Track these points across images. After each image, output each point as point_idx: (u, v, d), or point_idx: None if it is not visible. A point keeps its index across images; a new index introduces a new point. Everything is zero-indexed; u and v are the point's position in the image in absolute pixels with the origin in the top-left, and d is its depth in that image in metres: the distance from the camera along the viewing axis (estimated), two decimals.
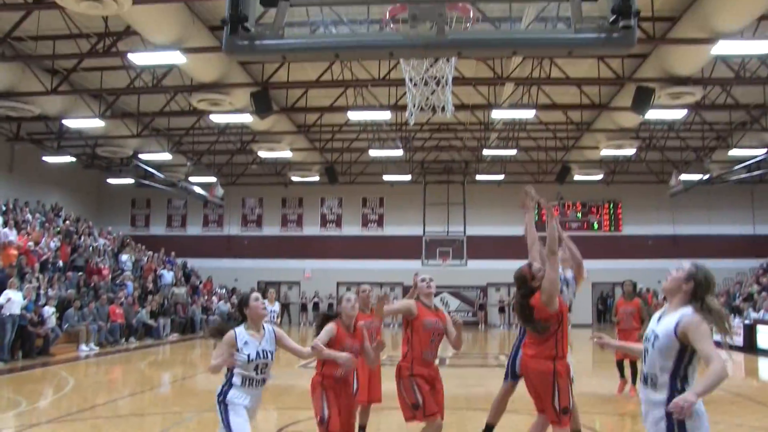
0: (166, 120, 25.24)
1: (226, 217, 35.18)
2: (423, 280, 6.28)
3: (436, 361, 6.19)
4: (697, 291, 3.94)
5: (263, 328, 5.16)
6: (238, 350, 4.99)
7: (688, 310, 3.88)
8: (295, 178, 31.95)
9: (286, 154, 26.88)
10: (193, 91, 19.72)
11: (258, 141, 26.06)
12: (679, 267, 4.04)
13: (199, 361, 18.45)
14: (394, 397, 6.11)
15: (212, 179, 31.06)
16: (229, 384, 5.04)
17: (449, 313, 6.27)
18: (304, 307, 33.48)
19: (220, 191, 31.28)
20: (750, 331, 21.18)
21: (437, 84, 8.16)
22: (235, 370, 5.02)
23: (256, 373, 5.04)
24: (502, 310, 33.02)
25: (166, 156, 26.94)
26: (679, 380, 3.90)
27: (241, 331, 5.06)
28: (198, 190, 30.87)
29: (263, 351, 5.05)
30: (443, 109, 8.57)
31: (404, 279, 31.87)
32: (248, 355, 4.99)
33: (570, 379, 5.83)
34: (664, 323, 3.95)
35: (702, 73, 18.36)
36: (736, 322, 22.30)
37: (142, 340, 22.02)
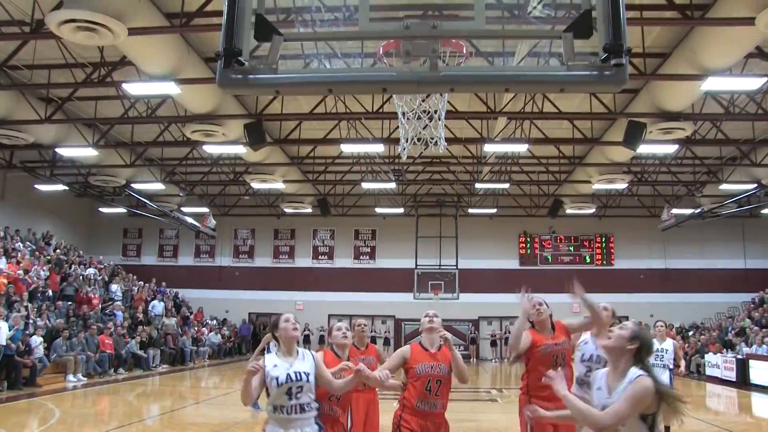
0: (159, 150, 25.25)
1: (218, 247, 35.09)
2: (426, 315, 5.82)
3: (439, 409, 5.51)
4: (641, 352, 3.83)
5: (296, 351, 4.83)
6: (266, 375, 4.64)
7: (638, 373, 3.72)
8: (287, 210, 31.88)
9: (279, 185, 26.85)
10: (186, 121, 19.76)
11: (251, 172, 26.02)
12: (622, 327, 3.92)
13: (188, 393, 18.27)
14: None
15: (205, 210, 31.03)
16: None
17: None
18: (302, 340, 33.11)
19: (212, 222, 31.21)
20: (742, 366, 21.18)
21: (430, 119, 8.21)
22: (268, 400, 4.68)
23: (289, 398, 4.61)
24: (494, 344, 32.82)
25: (158, 186, 26.90)
26: None
27: (271, 355, 4.77)
28: (190, 220, 30.86)
29: (296, 373, 4.66)
30: (436, 143, 8.60)
31: (396, 312, 32.00)
32: (276, 378, 4.63)
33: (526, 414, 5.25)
34: (619, 392, 3.75)
35: (692, 109, 18.52)
36: (729, 357, 22.32)
37: (131, 371, 21.77)
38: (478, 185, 27.77)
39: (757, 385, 19.95)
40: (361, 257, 34.72)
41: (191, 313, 30.97)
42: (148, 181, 26.49)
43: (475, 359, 32.20)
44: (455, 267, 31.75)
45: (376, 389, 5.85)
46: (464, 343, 32.88)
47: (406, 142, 8.64)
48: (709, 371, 23.17)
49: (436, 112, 8.30)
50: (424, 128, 8.27)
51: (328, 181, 29.04)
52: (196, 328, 29.11)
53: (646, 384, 3.68)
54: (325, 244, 34.92)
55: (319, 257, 34.92)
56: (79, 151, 22.06)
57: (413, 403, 5.44)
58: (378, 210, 32.05)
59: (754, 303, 28.44)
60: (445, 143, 9.26)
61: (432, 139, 8.64)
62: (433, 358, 5.52)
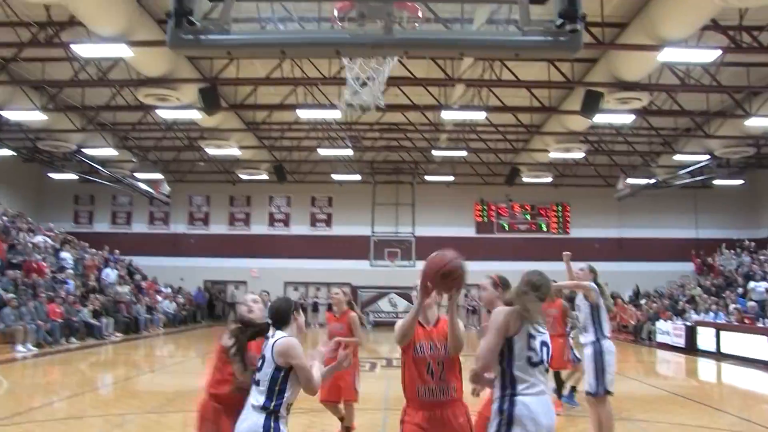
0: (111, 114, 24.64)
1: (173, 214, 34.67)
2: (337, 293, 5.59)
3: (450, 394, 4.38)
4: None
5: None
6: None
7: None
8: (243, 176, 31.64)
9: (235, 151, 26.57)
10: (139, 85, 19.31)
11: (206, 138, 25.68)
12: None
13: (143, 362, 18.13)
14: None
15: (159, 176, 30.53)
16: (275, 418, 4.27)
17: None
18: None
19: (166, 188, 30.83)
20: (691, 333, 21.73)
21: (372, 81, 8.16)
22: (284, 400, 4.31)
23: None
24: (473, 311, 32.65)
25: (111, 151, 26.35)
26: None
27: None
28: (144, 186, 30.38)
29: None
30: (375, 105, 8.57)
31: (352, 279, 31.91)
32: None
33: None
34: None
35: (649, 79, 18.73)
36: (678, 324, 22.89)
37: (83, 341, 21.39)
38: (435, 152, 27.82)
39: (704, 351, 20.51)
40: (318, 224, 34.67)
41: (145, 280, 30.63)
42: (100, 147, 25.89)
43: None
44: (412, 234, 31.89)
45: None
46: None
47: (349, 97, 8.57)
48: (659, 338, 23.72)
49: (382, 72, 8.22)
50: (364, 85, 8.20)
51: (284, 147, 28.90)
52: (150, 296, 28.81)
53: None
54: (281, 211, 34.78)
55: (275, 224, 34.76)
56: (27, 115, 21.42)
57: (415, 393, 4.40)
58: (334, 177, 32.05)
59: (701, 269, 29.06)
60: (382, 99, 9.17)
61: (371, 100, 8.56)
62: (428, 334, 4.51)
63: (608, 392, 7.38)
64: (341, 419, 7.99)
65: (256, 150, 28.16)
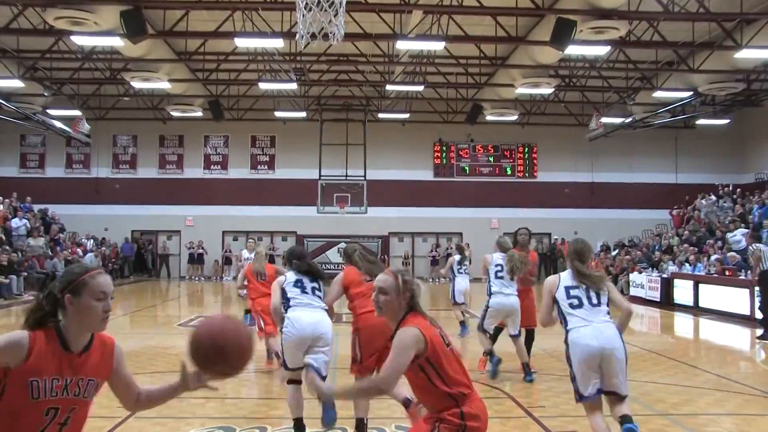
0: (14, 39, 23.58)
1: (94, 157, 33.78)
2: None
3: None
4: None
5: None
6: None
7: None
8: (174, 113, 31.08)
9: (164, 84, 26.07)
10: (47, 5, 18.38)
11: (131, 69, 25.01)
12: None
13: None
14: None
15: (76, 113, 29.82)
16: None
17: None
18: (192, 258, 32.85)
19: (85, 127, 29.99)
20: (667, 285, 21.95)
21: (330, 5, 7.75)
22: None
23: None
24: (435, 262, 32.92)
25: (16, 83, 25.52)
26: None
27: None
28: (59, 124, 29.62)
29: None
30: (335, 36, 8.19)
31: (298, 227, 32.12)
32: None
33: None
34: None
35: (628, 6, 18.61)
36: (653, 276, 23.10)
37: None
38: (389, 87, 27.67)
39: (681, 305, 20.81)
40: (259, 167, 34.36)
41: (64, 232, 29.87)
42: (2, 77, 24.89)
43: None
44: (363, 178, 31.67)
45: None
46: None
47: (306, 32, 8.17)
48: (633, 291, 23.99)
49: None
50: (322, 13, 7.81)
51: (220, 80, 28.54)
52: (69, 249, 28.11)
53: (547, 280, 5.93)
54: (219, 153, 34.32)
55: (212, 167, 34.30)
56: None
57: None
58: (277, 114, 31.75)
59: (680, 220, 29.34)
60: (343, 34, 8.79)
61: (332, 31, 8.19)
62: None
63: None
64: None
65: (188, 83, 27.68)
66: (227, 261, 32.74)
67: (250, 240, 15.03)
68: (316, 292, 6.65)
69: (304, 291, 6.59)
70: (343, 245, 32.11)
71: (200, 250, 32.61)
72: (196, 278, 32.32)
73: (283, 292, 6.61)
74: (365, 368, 6.24)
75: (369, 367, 6.20)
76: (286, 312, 6.51)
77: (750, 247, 15.53)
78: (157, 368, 10.17)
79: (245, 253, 13.59)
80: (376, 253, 33.09)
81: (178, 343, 11.92)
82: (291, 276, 6.71)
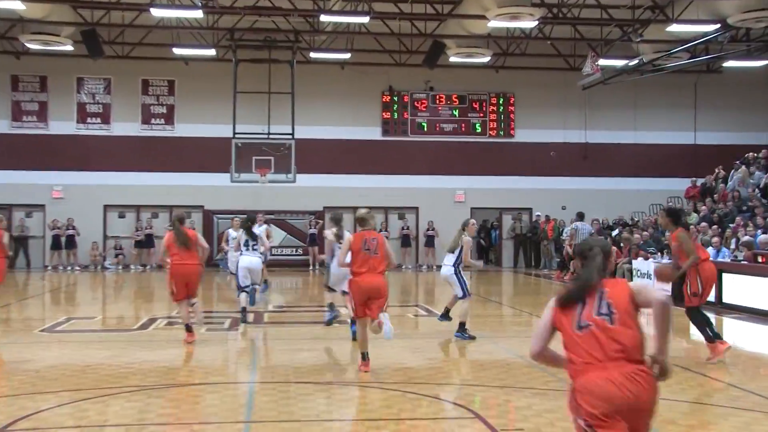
0: None
1: None
2: None
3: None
4: None
5: None
6: None
7: None
8: (33, 46, 30.01)
9: (17, 5, 25.17)
10: None
11: None
12: None
13: None
14: None
15: None
16: None
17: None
18: (57, 242, 31.69)
19: None
20: (681, 277, 21.19)
21: None
22: None
23: None
24: (406, 242, 33.19)
25: None
26: None
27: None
28: None
29: None
30: None
31: (205, 201, 32.28)
32: None
33: None
34: None
35: None
36: (665, 261, 22.37)
37: None
38: (324, 18, 27.61)
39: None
40: (153, 121, 33.66)
41: None
42: None
43: (317, 267, 31.39)
44: (291, 136, 30.96)
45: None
46: (302, 244, 32.75)
47: None
48: (637, 281, 23.45)
49: None
50: None
51: (98, 3, 27.48)
52: None
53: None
54: (97, 101, 33.38)
55: (88, 121, 33.31)
56: None
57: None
58: (177, 51, 31.31)
59: (698, 192, 29.30)
60: None
61: None
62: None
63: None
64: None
65: (52, 5, 26.81)
66: (146, 244, 31.88)
67: (235, 219, 18.43)
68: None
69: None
70: (264, 226, 31.22)
71: (70, 231, 31.36)
72: (67, 268, 31.25)
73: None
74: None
75: None
76: None
77: None
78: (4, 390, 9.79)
79: (231, 233, 18.45)
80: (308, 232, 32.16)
81: (40, 356, 11.98)
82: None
